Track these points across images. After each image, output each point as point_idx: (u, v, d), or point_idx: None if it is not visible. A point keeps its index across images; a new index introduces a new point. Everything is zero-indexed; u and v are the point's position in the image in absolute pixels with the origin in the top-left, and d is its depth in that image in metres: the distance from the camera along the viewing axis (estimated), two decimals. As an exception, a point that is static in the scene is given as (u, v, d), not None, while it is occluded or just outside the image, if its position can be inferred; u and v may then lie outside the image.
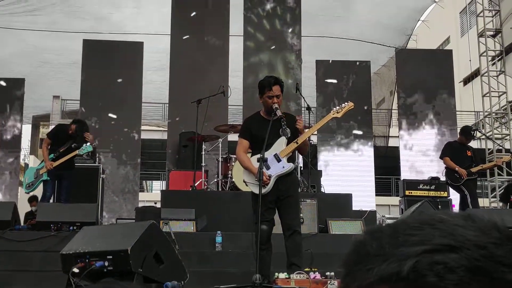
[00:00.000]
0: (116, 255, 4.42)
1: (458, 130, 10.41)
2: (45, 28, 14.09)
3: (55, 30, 14.17)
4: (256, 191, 5.43)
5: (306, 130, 5.91)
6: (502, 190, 12.77)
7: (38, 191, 9.22)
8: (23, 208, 12.19)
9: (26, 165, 21.69)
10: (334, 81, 12.84)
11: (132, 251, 4.36)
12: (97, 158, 10.13)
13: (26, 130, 19.49)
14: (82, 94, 12.08)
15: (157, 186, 29.87)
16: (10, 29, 13.97)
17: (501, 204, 11.93)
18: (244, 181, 5.72)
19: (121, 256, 4.38)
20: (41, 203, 8.18)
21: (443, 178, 9.70)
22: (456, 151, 9.29)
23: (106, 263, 4.43)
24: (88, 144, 8.71)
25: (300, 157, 9.53)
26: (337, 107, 5.98)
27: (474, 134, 9.63)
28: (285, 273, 5.29)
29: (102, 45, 12.48)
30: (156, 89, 14.92)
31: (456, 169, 9.05)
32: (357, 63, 13.24)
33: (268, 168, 5.44)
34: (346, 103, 6.00)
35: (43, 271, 6.29)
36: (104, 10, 14.13)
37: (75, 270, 4.49)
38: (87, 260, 4.50)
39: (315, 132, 12.46)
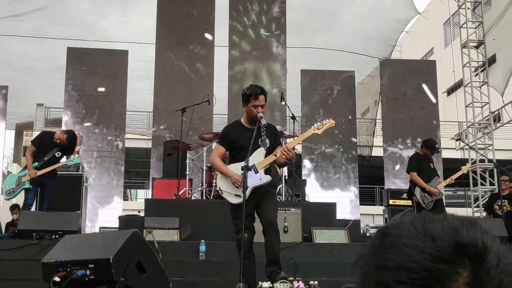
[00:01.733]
0: (98, 263, 4.38)
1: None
2: (28, 34, 13.98)
3: (39, 36, 14.06)
4: (231, 200, 5.43)
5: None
6: (486, 200, 12.83)
7: (19, 199, 9.13)
8: (4, 216, 12.07)
9: (9, 173, 21.49)
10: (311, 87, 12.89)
11: (114, 259, 4.32)
12: (80, 167, 10.05)
13: (9, 138, 19.31)
14: (65, 102, 12.01)
15: (142, 194, 29.71)
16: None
17: (484, 214, 11.99)
18: (219, 189, 5.68)
19: (103, 264, 4.34)
20: (23, 211, 8.10)
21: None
22: (421, 165, 9.09)
23: (88, 272, 4.39)
24: (77, 156, 8.67)
25: (284, 167, 9.53)
26: (318, 123, 5.93)
27: (438, 148, 9.45)
28: (269, 282, 5.28)
29: (86, 53, 12.42)
30: (140, 97, 14.86)
31: (427, 189, 8.86)
32: (342, 73, 13.30)
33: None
34: (327, 120, 5.94)
35: (25, 279, 6.22)
36: (89, 18, 14.06)
37: (56, 279, 4.44)
38: (68, 269, 4.46)
39: (300, 142, 12.52)
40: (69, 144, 8.64)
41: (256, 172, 5.50)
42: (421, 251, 0.74)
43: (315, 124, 5.97)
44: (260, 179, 5.50)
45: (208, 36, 12.30)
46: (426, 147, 9.20)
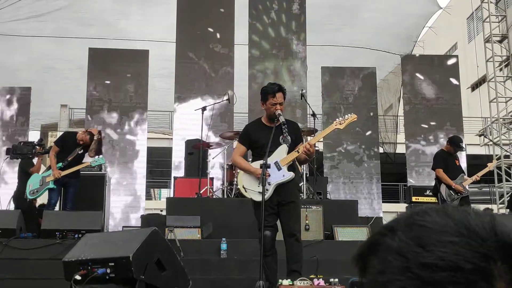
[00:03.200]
0: (118, 262, 4.41)
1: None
2: (50, 34, 14.13)
3: (60, 36, 14.20)
4: (255, 198, 5.43)
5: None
6: (509, 197, 12.66)
7: (43, 199, 9.25)
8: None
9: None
10: (332, 84, 12.84)
11: (134, 258, 4.35)
12: (103, 166, 10.14)
13: (34, 139, 19.54)
14: (88, 103, 12.13)
15: (165, 194, 29.88)
16: (14, 36, 14.02)
17: (508, 210, 11.82)
18: (243, 187, 5.69)
19: (123, 263, 4.37)
20: (47, 211, 8.19)
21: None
22: (447, 162, 9.04)
23: (108, 270, 4.42)
24: (101, 156, 8.75)
25: (305, 164, 9.52)
26: (340, 118, 5.90)
27: (462, 146, 9.37)
28: (289, 280, 5.27)
29: (108, 53, 12.53)
30: (161, 96, 14.93)
31: (453, 186, 8.81)
32: (363, 69, 13.22)
33: (268, 175, 5.42)
34: (349, 115, 5.92)
35: (47, 279, 6.29)
36: (110, 17, 14.16)
37: (77, 277, 4.48)
38: (89, 267, 4.50)
39: (321, 139, 12.47)
40: (90, 144, 8.71)
41: (279, 169, 5.50)
42: (473, 250, 0.70)
43: (337, 119, 5.95)
44: (283, 176, 5.50)
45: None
46: (451, 144, 9.14)
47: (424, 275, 0.70)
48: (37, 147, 9.33)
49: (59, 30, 14.09)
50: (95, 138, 8.64)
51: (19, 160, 9.58)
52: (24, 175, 9.24)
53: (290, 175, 5.52)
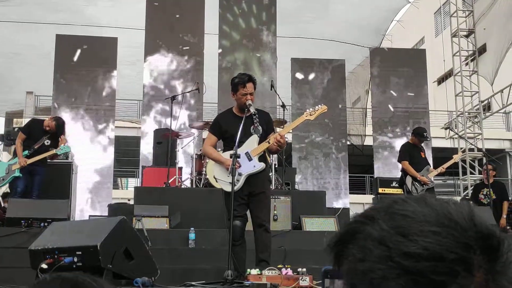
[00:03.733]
0: (86, 250, 4.38)
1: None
2: (16, 19, 13.83)
3: (26, 21, 13.92)
4: (226, 188, 5.44)
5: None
6: (472, 190, 12.92)
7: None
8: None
9: (-1, 161, 21.40)
10: (302, 76, 12.90)
11: (101, 247, 4.32)
12: (70, 154, 10.02)
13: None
14: (55, 90, 11.95)
15: (133, 183, 29.64)
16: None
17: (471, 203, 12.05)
18: (214, 177, 5.69)
19: (91, 252, 4.35)
20: (12, 199, 8.07)
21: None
22: (412, 154, 9.12)
23: (75, 259, 4.39)
24: (67, 144, 8.65)
25: (275, 154, 9.56)
26: (311, 109, 5.96)
27: (427, 136, 9.45)
28: (257, 269, 5.29)
29: (75, 40, 12.33)
30: (129, 83, 14.77)
31: (418, 178, 8.89)
32: (332, 61, 13.29)
33: (239, 166, 5.43)
34: (319, 106, 5.98)
35: (13, 267, 6.20)
36: (78, 2, 13.91)
37: (44, 266, 4.44)
38: (56, 256, 4.46)
39: (290, 131, 12.53)
40: (58, 130, 8.63)
41: (250, 159, 5.51)
42: (455, 240, 0.71)
43: (307, 110, 5.99)
44: (254, 166, 5.52)
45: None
46: (415, 136, 9.23)
47: (406, 264, 0.70)
48: None
49: (25, 15, 13.80)
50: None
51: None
52: None
53: (261, 165, 5.54)
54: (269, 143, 5.54)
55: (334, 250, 0.80)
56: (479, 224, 0.73)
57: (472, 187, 13.65)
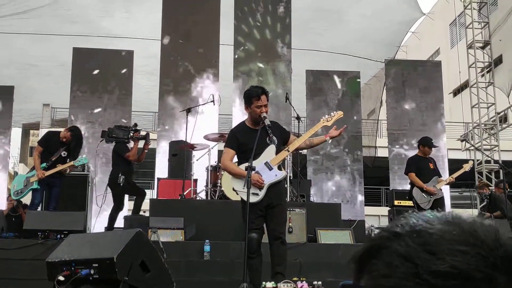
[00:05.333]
0: (102, 263, 4.40)
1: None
2: (32, 31, 14.00)
3: (43, 33, 14.08)
4: (246, 198, 5.43)
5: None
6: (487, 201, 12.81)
7: (27, 199, 9.18)
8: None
9: (16, 173, 21.54)
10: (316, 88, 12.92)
11: (118, 259, 4.34)
12: (86, 167, 10.09)
13: (16, 136, 19.38)
14: (71, 103, 12.06)
15: (148, 195, 29.68)
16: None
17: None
18: (233, 189, 5.70)
19: (107, 264, 4.36)
20: (29, 211, 8.13)
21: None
22: (420, 166, 9.07)
23: (92, 271, 4.41)
24: (84, 156, 8.72)
25: (290, 166, 9.55)
26: (327, 116, 6.01)
27: (433, 144, 9.37)
28: (272, 282, 5.28)
29: (92, 53, 12.46)
30: (145, 93, 14.87)
31: (424, 188, 8.83)
32: (347, 73, 13.29)
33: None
34: (335, 112, 6.05)
35: (29, 279, 6.25)
36: (93, 14, 14.06)
37: (61, 278, 4.46)
38: (72, 268, 4.48)
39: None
40: (76, 141, 8.68)
41: (271, 169, 5.52)
42: (485, 261, 0.71)
43: (324, 116, 6.04)
44: (276, 175, 5.53)
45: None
46: (422, 145, 9.19)
47: (434, 282, 0.70)
48: (132, 132, 9.08)
49: (40, 26, 13.95)
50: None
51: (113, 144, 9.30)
52: (120, 159, 9.01)
53: (282, 174, 5.57)
54: (288, 151, 5.58)
55: (357, 264, 0.80)
56: (504, 244, 0.74)
57: (486, 199, 13.56)
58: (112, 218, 8.95)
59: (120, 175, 8.77)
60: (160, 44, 12.33)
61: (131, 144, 9.10)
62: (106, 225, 9.09)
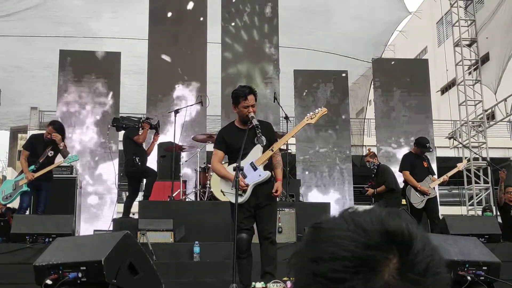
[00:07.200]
0: (90, 266, 4.37)
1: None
2: (19, 33, 13.90)
3: (29, 35, 13.98)
4: (234, 200, 5.42)
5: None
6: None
7: (15, 203, 9.11)
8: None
9: (4, 177, 21.40)
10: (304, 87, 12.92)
11: (105, 262, 4.31)
12: (74, 169, 10.04)
13: (3, 139, 19.26)
14: (59, 105, 12.00)
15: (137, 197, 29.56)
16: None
17: (479, 212, 11.99)
18: (221, 191, 5.69)
19: (95, 267, 4.33)
20: (16, 215, 8.06)
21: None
22: (414, 164, 9.11)
23: (80, 274, 4.38)
24: (75, 154, 8.66)
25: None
26: (311, 113, 5.96)
27: (430, 147, 9.39)
28: (262, 282, 5.27)
29: (79, 55, 12.40)
30: (132, 92, 14.80)
31: (418, 188, 8.86)
32: (335, 73, 13.31)
33: (244, 176, 5.43)
34: (319, 109, 6.00)
35: (18, 283, 6.20)
36: (80, 15, 13.98)
37: (48, 281, 4.43)
38: (60, 272, 4.45)
39: (294, 142, 12.52)
40: (61, 132, 8.59)
41: (255, 169, 5.50)
42: (353, 241, 0.80)
43: (308, 114, 5.98)
44: (260, 175, 5.51)
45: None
46: (418, 146, 9.22)
47: (312, 268, 0.81)
48: (143, 122, 9.14)
49: (27, 28, 13.85)
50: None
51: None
52: (131, 144, 9.00)
53: (266, 174, 5.53)
54: (272, 151, 5.55)
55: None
56: (388, 225, 0.82)
57: (481, 195, 13.63)
58: (128, 206, 9.10)
59: (134, 157, 8.81)
60: (148, 44, 12.29)
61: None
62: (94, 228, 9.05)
